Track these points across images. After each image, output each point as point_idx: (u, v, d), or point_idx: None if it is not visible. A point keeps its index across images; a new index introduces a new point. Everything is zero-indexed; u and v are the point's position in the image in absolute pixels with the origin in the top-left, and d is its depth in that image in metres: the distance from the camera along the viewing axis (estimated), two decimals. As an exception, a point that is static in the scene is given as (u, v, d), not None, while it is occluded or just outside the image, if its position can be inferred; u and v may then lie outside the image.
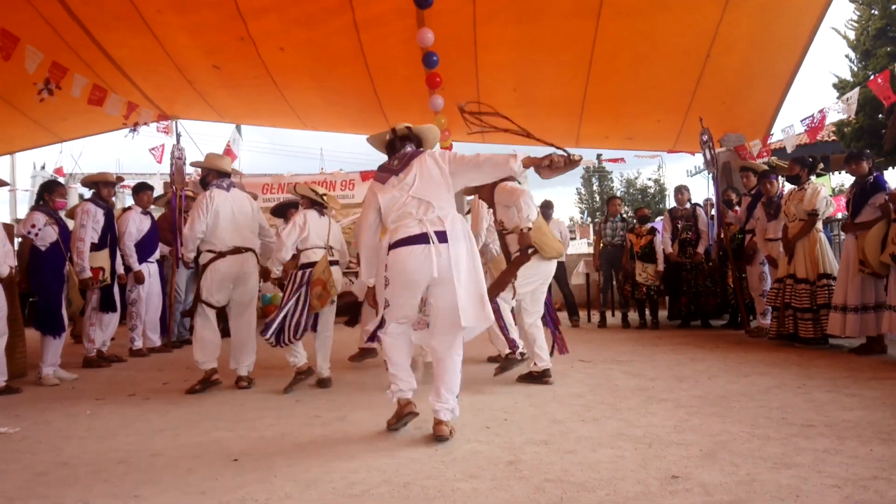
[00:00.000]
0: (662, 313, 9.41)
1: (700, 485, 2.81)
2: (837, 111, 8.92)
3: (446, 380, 3.71)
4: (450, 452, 3.42)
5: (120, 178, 7.37)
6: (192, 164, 6.53)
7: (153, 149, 11.38)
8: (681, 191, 9.28)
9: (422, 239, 3.60)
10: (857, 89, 8.38)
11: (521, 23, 8.36)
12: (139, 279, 7.38)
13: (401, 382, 3.83)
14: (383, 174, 3.91)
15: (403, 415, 3.83)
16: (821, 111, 8.99)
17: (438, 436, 3.62)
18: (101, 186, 6.83)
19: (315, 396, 4.98)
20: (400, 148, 3.96)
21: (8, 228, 5.84)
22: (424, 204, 3.71)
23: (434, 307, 3.72)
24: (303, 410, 4.53)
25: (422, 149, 3.99)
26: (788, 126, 9.82)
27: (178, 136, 10.61)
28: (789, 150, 9.74)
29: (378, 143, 4.13)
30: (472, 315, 3.63)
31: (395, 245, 3.67)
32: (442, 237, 3.62)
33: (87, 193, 7.07)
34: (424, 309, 3.82)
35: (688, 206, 9.06)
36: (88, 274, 6.48)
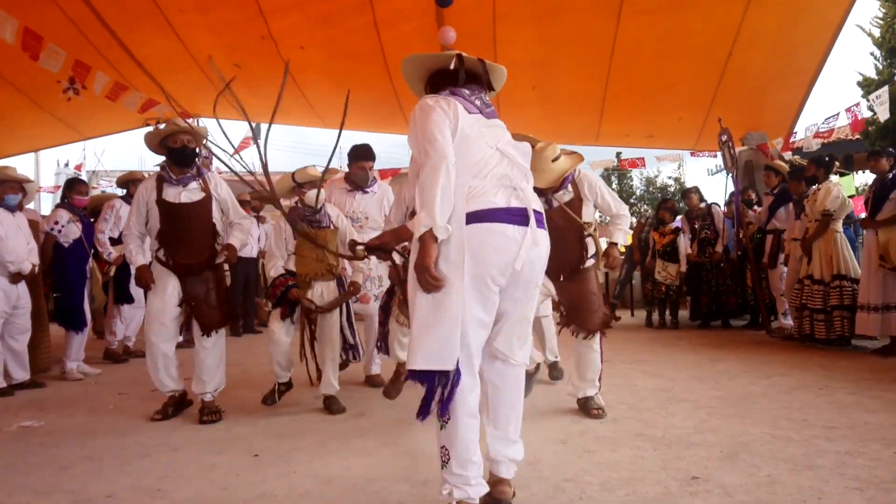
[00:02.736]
0: (683, 313, 9.36)
1: (720, 486, 2.80)
2: (871, 111, 8.77)
3: (504, 410, 2.61)
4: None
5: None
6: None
7: None
8: (688, 195, 9.26)
9: (513, 216, 2.44)
10: (885, 87, 8.25)
11: (540, 20, 8.34)
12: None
13: (471, 487, 2.43)
14: (467, 103, 2.60)
15: None
16: (848, 109, 8.87)
17: (498, 499, 2.55)
18: (131, 184, 6.98)
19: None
20: (479, 89, 2.75)
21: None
22: (519, 169, 2.58)
23: (503, 314, 2.57)
24: (322, 407, 4.55)
25: None
26: (812, 125, 9.73)
27: (207, 135, 10.71)
28: (805, 150, 9.68)
29: (419, 67, 2.84)
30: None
31: (473, 217, 2.40)
32: (540, 221, 2.55)
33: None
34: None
35: (702, 205, 9.01)
36: (115, 255, 6.63)
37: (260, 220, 9.38)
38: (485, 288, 2.41)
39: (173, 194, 4.37)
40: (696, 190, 9.26)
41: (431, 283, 2.32)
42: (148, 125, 9.97)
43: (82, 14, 7.86)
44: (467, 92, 2.65)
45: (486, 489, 2.48)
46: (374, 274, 5.17)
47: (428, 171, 2.36)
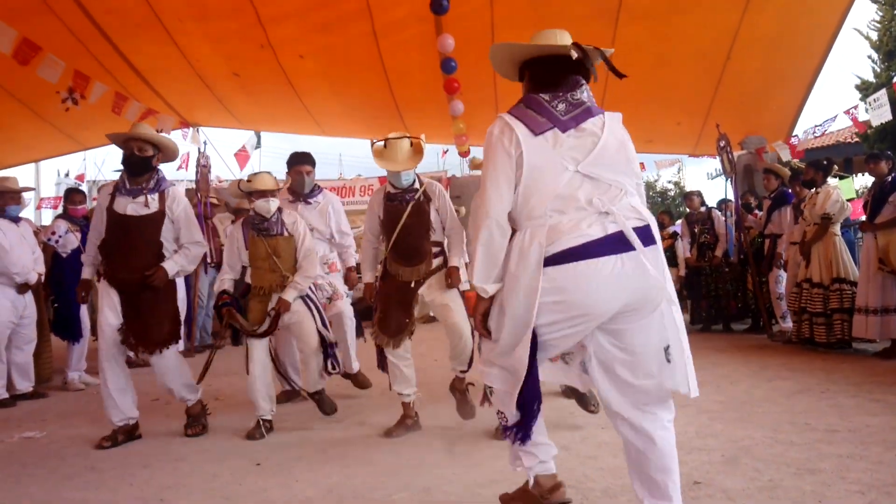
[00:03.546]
0: (684, 317, 9.35)
1: (722, 491, 2.80)
2: (868, 113, 8.78)
3: (664, 466, 2.25)
4: (470, 457, 3.42)
5: None
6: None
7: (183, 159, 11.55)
8: (690, 197, 9.28)
9: (611, 245, 2.13)
10: (882, 90, 8.27)
11: (538, 27, 8.28)
12: None
13: (540, 451, 2.48)
14: (538, 118, 2.28)
15: (547, 502, 2.54)
16: (847, 112, 8.90)
17: None
18: None
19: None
20: (570, 85, 2.40)
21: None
22: (610, 187, 2.22)
23: (626, 351, 2.25)
24: (323, 417, 4.55)
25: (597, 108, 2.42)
26: (811, 127, 9.75)
27: (205, 143, 10.75)
28: (787, 156, 9.69)
29: (510, 59, 2.55)
30: (690, 373, 2.29)
31: (561, 257, 2.14)
32: (646, 236, 2.19)
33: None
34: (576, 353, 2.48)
35: (702, 209, 9.03)
36: None
37: None
38: (581, 323, 2.17)
39: (121, 205, 4.08)
40: (698, 193, 9.27)
41: (482, 332, 2.36)
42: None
43: (81, 24, 7.89)
44: (547, 97, 2.33)
45: (553, 469, 2.52)
46: (323, 282, 4.92)
47: (474, 225, 2.31)
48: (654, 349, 2.23)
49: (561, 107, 2.31)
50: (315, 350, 4.31)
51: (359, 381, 5.22)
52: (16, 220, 5.55)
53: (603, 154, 2.25)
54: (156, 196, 4.12)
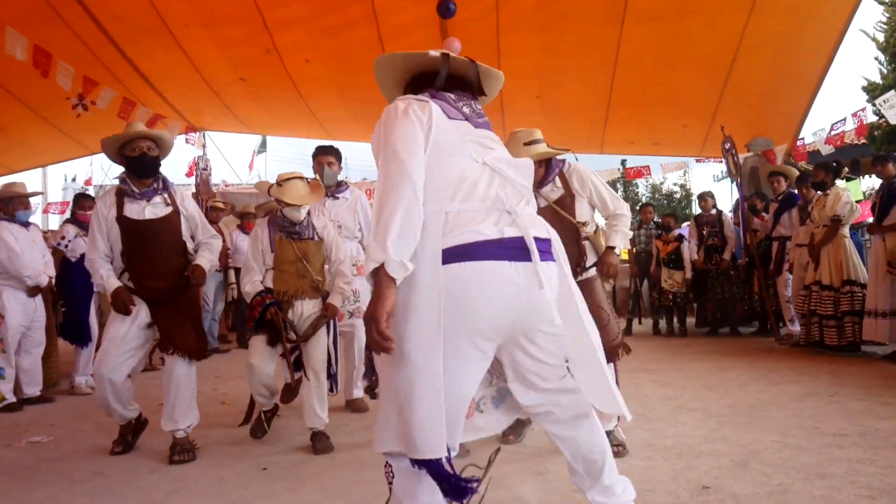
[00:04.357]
0: (690, 321, 9.34)
1: (731, 496, 2.78)
2: (877, 115, 8.79)
3: (599, 449, 2.13)
4: (477, 463, 3.41)
5: None
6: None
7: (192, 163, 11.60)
8: (704, 198, 9.29)
9: (506, 249, 1.87)
10: (892, 91, 8.26)
11: (544, 30, 8.36)
12: None
13: None
14: (451, 107, 2.10)
15: None
16: (855, 114, 8.90)
17: None
18: None
19: (341, 406, 4.99)
20: (464, 97, 2.20)
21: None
22: (514, 188, 2.02)
23: (533, 359, 2.00)
24: (329, 420, 4.54)
25: None
26: (820, 129, 9.74)
27: (204, 147, 10.80)
28: (824, 153, 9.64)
29: (395, 69, 2.33)
30: (600, 392, 2.06)
31: (457, 254, 1.85)
32: (546, 250, 1.97)
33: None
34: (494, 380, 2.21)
35: (713, 212, 9.03)
36: None
37: None
38: (468, 348, 1.86)
39: (136, 210, 3.84)
40: (711, 195, 9.29)
41: (379, 341, 1.76)
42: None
43: (89, 31, 7.93)
44: (453, 97, 2.14)
45: None
46: (349, 288, 4.46)
47: (384, 192, 1.85)
48: (555, 361, 2.02)
49: (466, 110, 2.15)
50: (319, 367, 3.98)
51: (356, 406, 4.95)
52: (26, 224, 5.62)
53: (509, 158, 2.11)
54: (165, 196, 3.97)
